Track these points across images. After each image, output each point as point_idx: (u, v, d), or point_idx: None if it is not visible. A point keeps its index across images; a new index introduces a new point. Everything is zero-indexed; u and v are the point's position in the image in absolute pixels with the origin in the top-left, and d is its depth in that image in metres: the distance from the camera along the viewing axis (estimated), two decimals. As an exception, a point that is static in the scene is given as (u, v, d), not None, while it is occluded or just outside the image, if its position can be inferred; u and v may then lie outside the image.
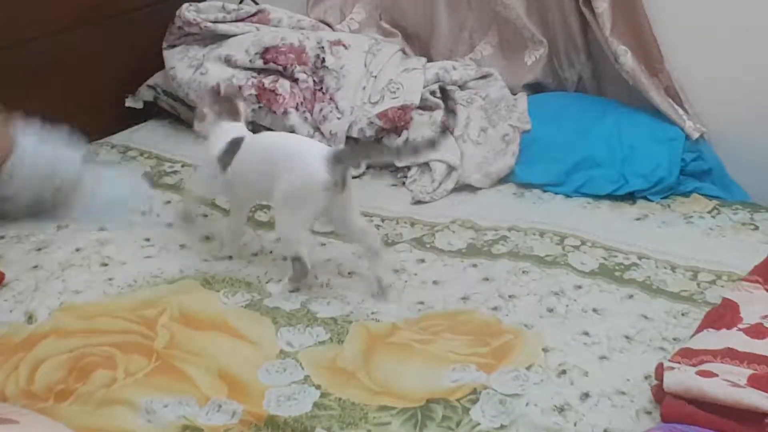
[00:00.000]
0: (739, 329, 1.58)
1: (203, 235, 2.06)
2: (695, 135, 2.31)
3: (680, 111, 2.33)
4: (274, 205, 1.83)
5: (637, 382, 1.54)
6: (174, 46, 2.59)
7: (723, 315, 1.64)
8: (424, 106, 2.41)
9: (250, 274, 1.89)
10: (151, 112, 2.67)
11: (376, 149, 2.20)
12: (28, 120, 2.07)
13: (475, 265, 1.91)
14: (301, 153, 1.78)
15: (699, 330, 1.62)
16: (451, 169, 2.26)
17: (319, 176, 1.73)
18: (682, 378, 1.42)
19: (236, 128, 1.92)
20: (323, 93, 2.45)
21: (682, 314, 1.74)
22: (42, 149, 2.06)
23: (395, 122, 2.34)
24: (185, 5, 2.58)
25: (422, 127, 2.34)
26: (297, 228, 1.79)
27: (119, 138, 2.55)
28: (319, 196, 1.74)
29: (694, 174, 2.27)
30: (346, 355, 1.62)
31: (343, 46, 2.52)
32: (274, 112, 2.40)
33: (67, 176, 2.10)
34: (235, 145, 1.86)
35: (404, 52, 2.63)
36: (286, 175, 1.75)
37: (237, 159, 1.85)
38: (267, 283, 1.86)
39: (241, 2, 2.75)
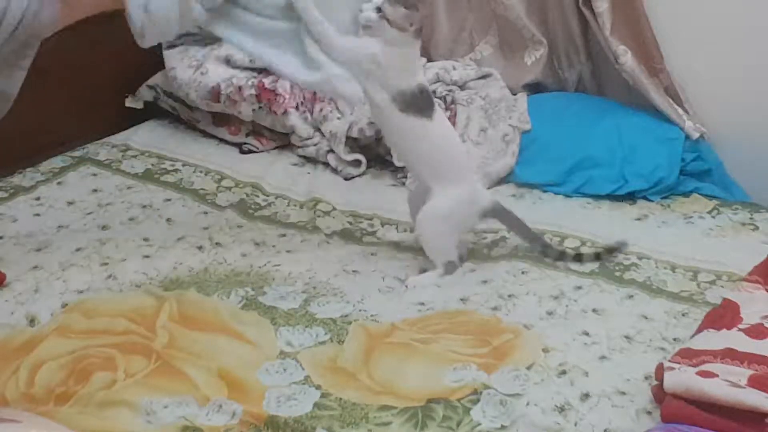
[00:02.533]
0: (740, 329, 1.58)
1: (202, 227, 2.07)
2: (695, 135, 2.31)
3: (680, 111, 2.33)
4: (422, 211, 1.87)
5: (637, 382, 1.54)
6: (174, 46, 2.59)
7: (723, 315, 1.64)
8: (424, 106, 2.41)
9: (246, 271, 1.89)
10: (151, 112, 2.67)
11: (523, 228, 1.96)
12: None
13: (473, 270, 1.91)
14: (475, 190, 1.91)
15: (699, 330, 1.63)
16: None
17: (473, 211, 1.89)
18: (682, 378, 1.42)
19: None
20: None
21: (682, 314, 1.74)
22: None
23: (395, 122, 2.33)
24: (185, 4, 2.57)
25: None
26: (447, 241, 1.89)
27: (119, 138, 2.55)
28: (468, 225, 1.93)
29: (694, 174, 2.27)
30: (346, 355, 1.62)
31: (343, 46, 2.51)
32: (275, 112, 2.40)
33: None
34: (426, 99, 1.84)
35: (404, 52, 2.62)
36: (449, 192, 1.85)
37: (427, 118, 1.83)
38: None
39: (241, 2, 2.75)
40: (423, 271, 1.90)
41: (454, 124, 2.36)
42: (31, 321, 1.72)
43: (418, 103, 1.82)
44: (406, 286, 1.85)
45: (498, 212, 1.92)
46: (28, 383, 1.56)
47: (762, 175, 2.28)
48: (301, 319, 1.72)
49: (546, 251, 1.91)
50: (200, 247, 1.99)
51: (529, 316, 1.73)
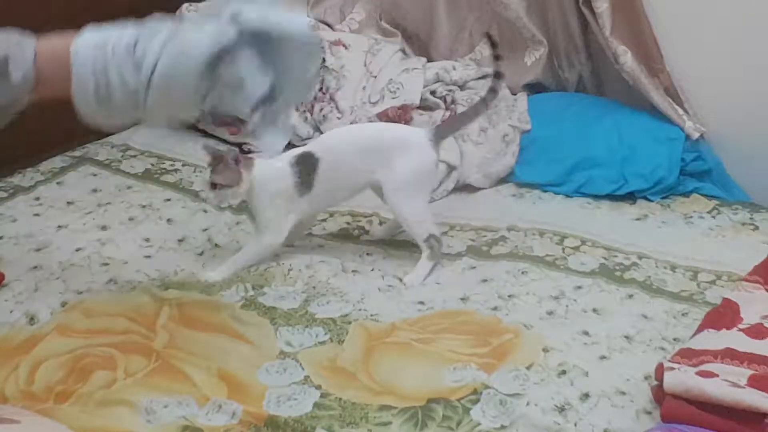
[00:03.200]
0: (740, 329, 1.58)
1: (201, 228, 2.07)
2: (695, 135, 2.31)
3: (680, 111, 2.33)
4: (388, 194, 1.87)
5: (637, 382, 1.54)
6: (174, 45, 2.59)
7: (723, 315, 1.64)
8: (424, 106, 2.41)
9: (245, 271, 1.88)
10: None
11: (465, 118, 2.04)
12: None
13: (474, 267, 1.91)
14: (406, 138, 1.90)
15: (699, 330, 1.63)
16: (450, 168, 2.26)
17: (432, 156, 1.87)
18: (682, 378, 1.42)
19: (270, 159, 1.92)
20: (323, 93, 2.45)
21: (682, 314, 1.74)
22: None
23: (395, 122, 2.34)
24: (185, 5, 2.58)
25: (422, 126, 2.34)
26: (423, 209, 1.89)
27: (119, 138, 2.55)
28: (433, 174, 1.91)
29: (694, 174, 2.27)
30: (346, 355, 1.62)
31: (343, 46, 2.52)
32: (274, 112, 2.40)
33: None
34: (306, 162, 1.87)
35: (404, 52, 2.63)
36: (399, 162, 1.84)
37: (321, 172, 1.86)
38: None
39: (241, 2, 2.75)
40: None
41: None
42: (31, 319, 1.72)
43: (306, 167, 1.87)
44: (405, 285, 1.86)
45: (443, 130, 1.95)
46: (28, 381, 1.56)
47: (762, 175, 2.28)
48: (301, 319, 1.72)
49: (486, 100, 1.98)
50: (200, 247, 2.00)
51: (529, 315, 1.73)
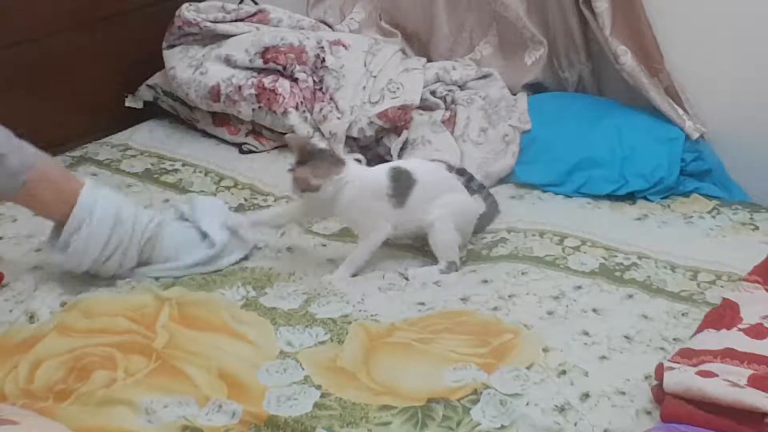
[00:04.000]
0: (739, 329, 1.58)
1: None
2: (695, 135, 2.31)
3: (680, 111, 2.33)
4: (435, 222, 1.88)
5: (637, 382, 1.54)
6: (174, 46, 2.59)
7: (723, 315, 1.64)
8: (424, 106, 2.41)
9: (246, 271, 1.89)
10: (151, 112, 2.67)
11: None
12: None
13: (473, 270, 1.91)
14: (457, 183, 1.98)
15: (699, 330, 1.63)
16: (450, 169, 2.25)
17: (481, 206, 2.03)
18: (682, 378, 1.42)
19: (358, 164, 1.95)
20: (323, 93, 2.45)
21: (682, 314, 1.74)
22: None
23: (395, 122, 2.34)
24: (185, 5, 2.57)
25: (422, 126, 2.34)
26: (455, 239, 1.91)
27: (119, 138, 2.55)
28: (473, 222, 1.99)
29: (694, 174, 2.27)
30: (346, 355, 1.62)
31: (343, 46, 2.52)
32: (274, 112, 2.40)
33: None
34: (402, 177, 1.87)
35: (404, 52, 2.63)
36: (452, 198, 1.92)
37: (414, 194, 1.87)
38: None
39: (241, 2, 2.75)
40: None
41: (453, 124, 2.36)
42: (31, 318, 1.73)
43: (401, 184, 1.86)
44: (407, 279, 1.86)
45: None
46: (28, 380, 1.56)
47: (762, 175, 2.28)
48: (301, 319, 1.72)
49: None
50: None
51: (529, 316, 1.73)
